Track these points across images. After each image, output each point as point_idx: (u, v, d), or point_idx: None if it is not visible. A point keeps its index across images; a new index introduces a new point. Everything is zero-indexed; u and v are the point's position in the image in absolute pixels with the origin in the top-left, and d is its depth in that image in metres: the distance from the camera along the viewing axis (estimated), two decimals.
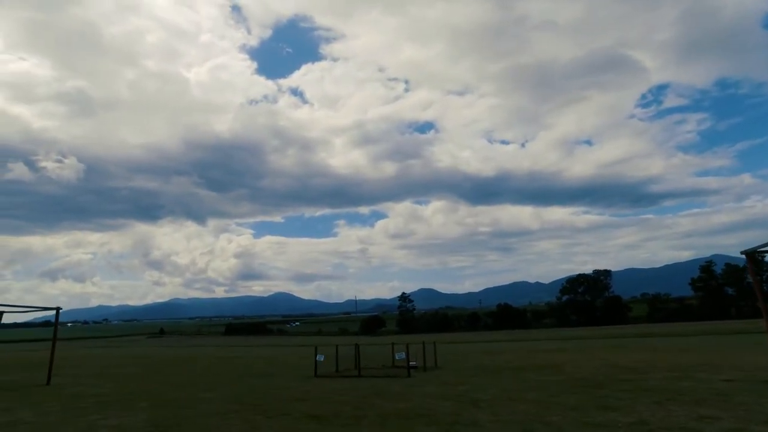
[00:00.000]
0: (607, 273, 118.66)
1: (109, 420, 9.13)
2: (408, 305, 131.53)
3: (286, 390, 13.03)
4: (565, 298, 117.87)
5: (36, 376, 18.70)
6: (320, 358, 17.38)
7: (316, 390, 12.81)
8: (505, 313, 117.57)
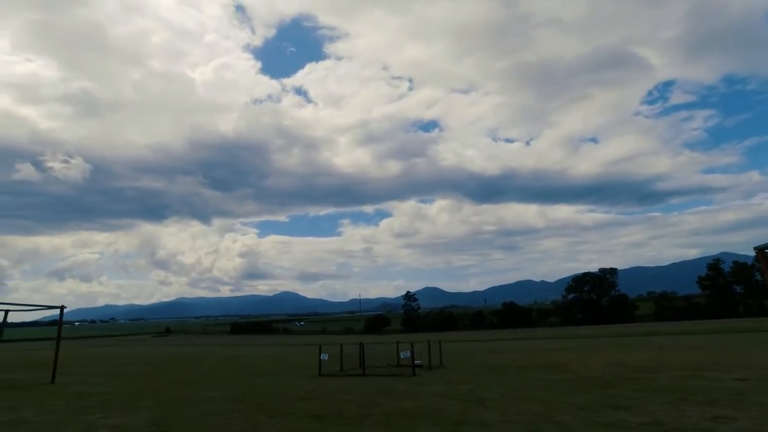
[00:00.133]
0: (613, 271, 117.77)
1: (111, 419, 9.04)
2: (413, 304, 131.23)
3: (289, 389, 12.90)
4: (570, 296, 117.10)
5: (41, 375, 18.73)
6: (324, 357, 17.26)
7: (320, 389, 12.67)
8: (510, 312, 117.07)
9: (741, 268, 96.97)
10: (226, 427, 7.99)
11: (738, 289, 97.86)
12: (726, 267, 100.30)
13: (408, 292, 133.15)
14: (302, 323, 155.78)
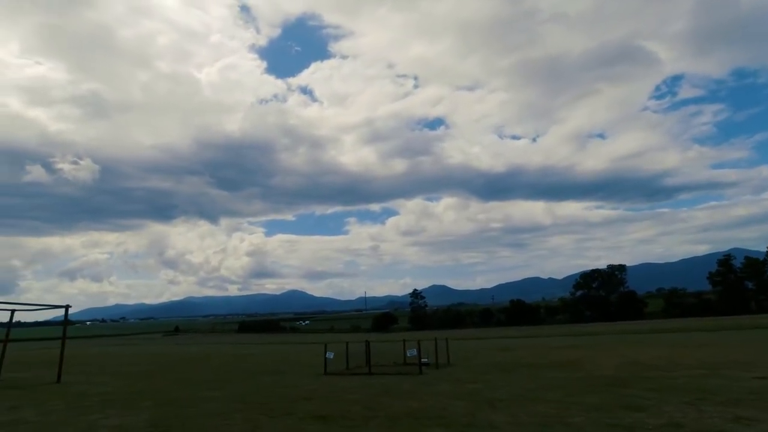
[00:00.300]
0: (622, 268, 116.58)
1: (111, 420, 8.86)
2: (420, 302, 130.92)
3: (293, 388, 12.66)
4: (578, 293, 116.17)
5: (47, 374, 18.69)
6: (330, 355, 17.03)
7: (325, 388, 12.42)
8: (517, 309, 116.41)
9: (752, 264, 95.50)
10: (225, 427, 7.75)
11: (750, 285, 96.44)
12: (737, 263, 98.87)
13: (415, 289, 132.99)
14: (307, 322, 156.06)
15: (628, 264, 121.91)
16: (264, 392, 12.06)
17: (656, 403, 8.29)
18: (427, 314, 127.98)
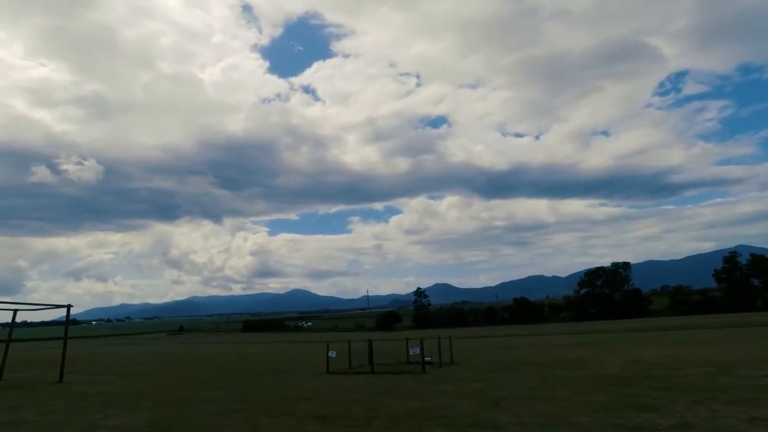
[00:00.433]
0: (626, 265, 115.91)
1: (110, 420, 8.75)
2: (423, 300, 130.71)
3: (294, 388, 12.52)
4: (583, 291, 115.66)
5: (50, 374, 18.67)
6: (332, 354, 16.90)
7: (326, 388, 12.27)
8: (521, 308, 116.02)
9: (758, 261, 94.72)
10: (225, 428, 7.62)
11: (756, 282, 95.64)
12: (743, 260, 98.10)
13: (418, 288, 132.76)
14: (309, 323, 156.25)
15: (632, 261, 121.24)
16: (265, 392, 11.93)
17: (666, 403, 8.08)
18: (431, 313, 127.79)
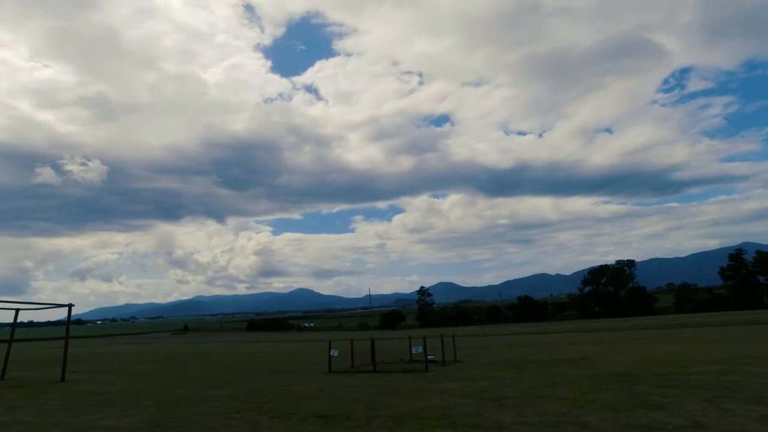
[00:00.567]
0: (631, 263, 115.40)
1: (107, 420, 8.62)
2: (427, 299, 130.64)
3: (296, 387, 12.36)
4: (587, 289, 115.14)
5: (53, 373, 18.62)
6: (334, 353, 16.76)
7: (328, 387, 12.10)
8: (525, 306, 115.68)
9: (764, 258, 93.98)
10: (224, 428, 7.46)
11: (762, 279, 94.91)
12: (748, 257, 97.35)
13: (422, 287, 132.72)
14: (311, 324, 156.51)
15: (637, 259, 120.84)
16: (267, 391, 11.78)
17: (674, 401, 7.86)
18: (435, 311, 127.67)
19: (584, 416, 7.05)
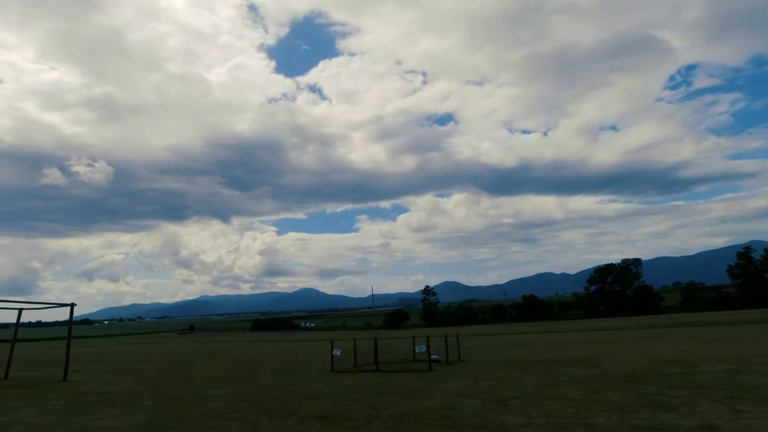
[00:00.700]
0: (637, 262, 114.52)
1: (106, 420, 8.50)
2: (431, 298, 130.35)
3: (297, 387, 12.21)
4: (592, 288, 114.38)
5: (57, 373, 18.59)
6: (336, 352, 16.60)
7: (330, 387, 11.94)
8: (530, 305, 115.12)
9: None
10: (222, 429, 7.32)
11: None
12: (757, 255, 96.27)
13: (427, 286, 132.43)
14: (312, 324, 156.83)
15: (643, 258, 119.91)
16: (268, 391, 11.64)
17: (685, 402, 7.61)
18: (439, 311, 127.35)
19: (591, 418, 6.84)
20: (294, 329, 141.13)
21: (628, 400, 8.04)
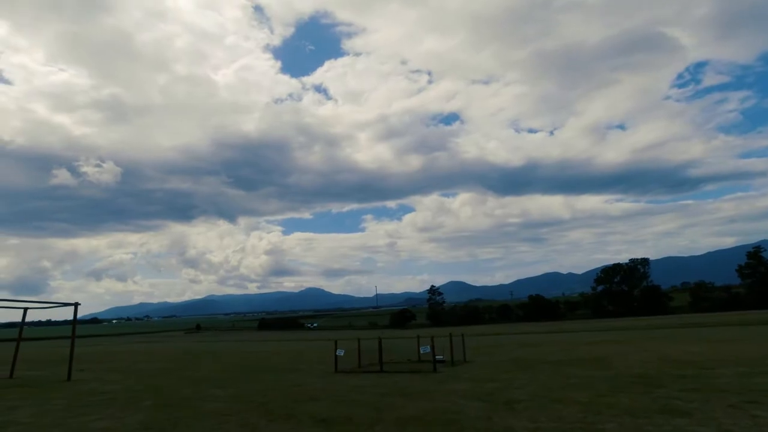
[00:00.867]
0: (645, 262, 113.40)
1: (104, 421, 8.36)
2: (437, 298, 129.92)
3: (299, 387, 12.01)
4: (600, 288, 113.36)
5: (61, 372, 18.58)
6: (340, 352, 16.40)
7: (333, 387, 11.73)
8: (537, 305, 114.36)
9: None
10: (218, 431, 7.14)
11: None
12: (767, 255, 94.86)
13: (432, 286, 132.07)
14: (315, 324, 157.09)
15: (650, 258, 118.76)
16: (269, 391, 11.46)
17: (699, 406, 7.30)
18: (445, 310, 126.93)
19: (601, 423, 6.56)
20: (300, 329, 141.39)
21: (640, 404, 7.74)
